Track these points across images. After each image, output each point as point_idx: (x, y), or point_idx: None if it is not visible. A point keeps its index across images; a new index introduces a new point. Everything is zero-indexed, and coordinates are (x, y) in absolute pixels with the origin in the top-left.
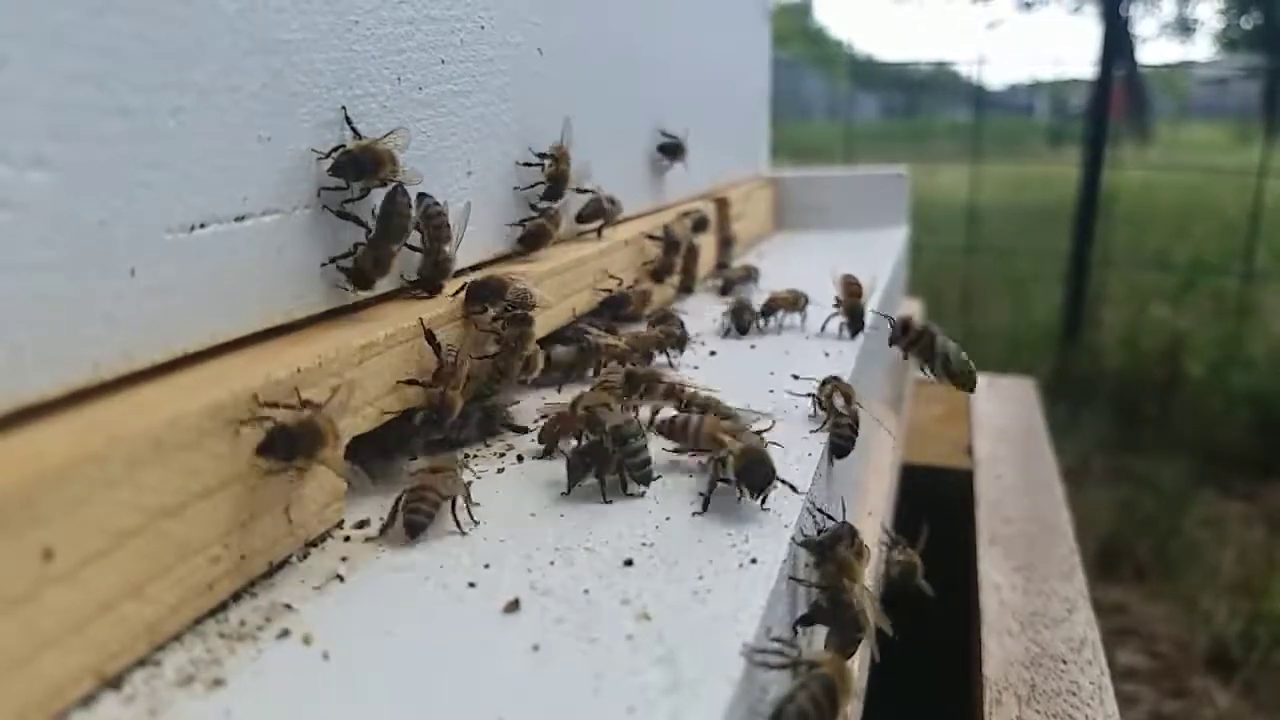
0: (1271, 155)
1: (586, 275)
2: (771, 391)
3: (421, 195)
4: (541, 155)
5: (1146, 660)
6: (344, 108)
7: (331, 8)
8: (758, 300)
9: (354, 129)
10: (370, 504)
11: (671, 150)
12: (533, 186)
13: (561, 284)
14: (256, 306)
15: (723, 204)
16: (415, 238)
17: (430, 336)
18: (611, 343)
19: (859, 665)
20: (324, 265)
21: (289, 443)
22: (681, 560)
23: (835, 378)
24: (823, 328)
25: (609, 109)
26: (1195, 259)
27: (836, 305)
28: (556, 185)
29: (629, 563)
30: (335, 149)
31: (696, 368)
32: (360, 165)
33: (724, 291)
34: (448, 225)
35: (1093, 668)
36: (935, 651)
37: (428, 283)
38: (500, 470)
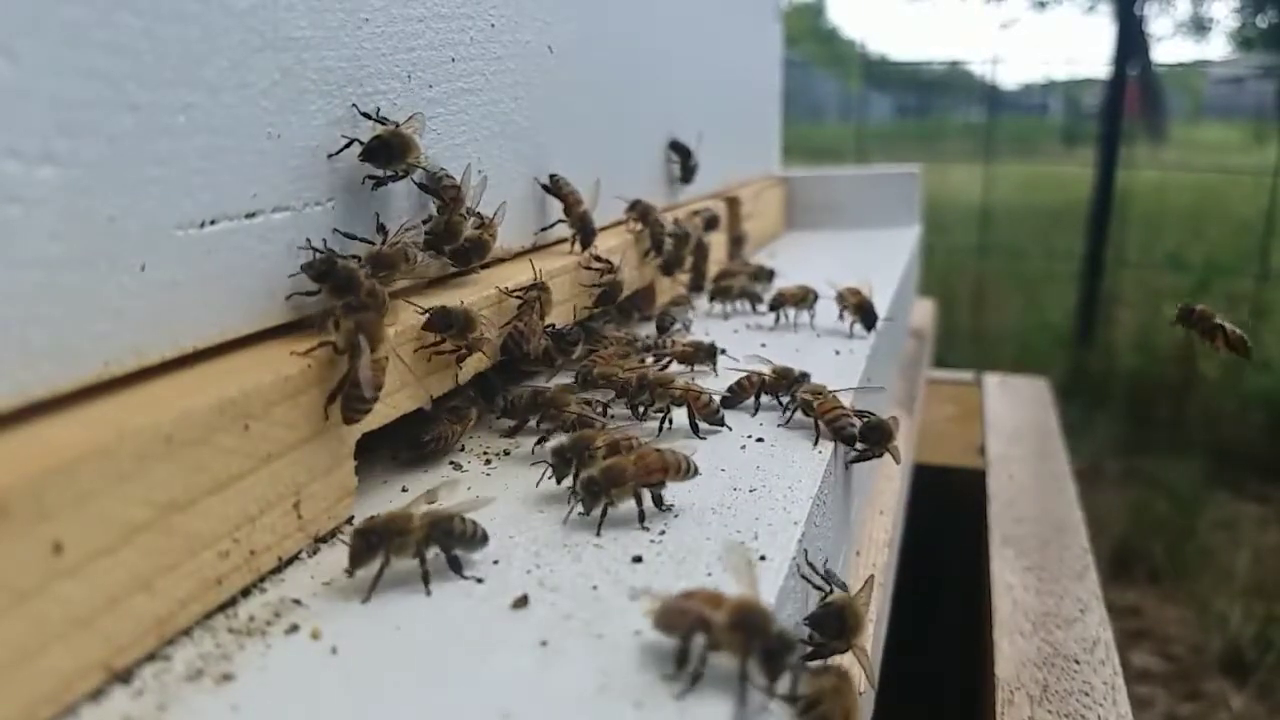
0: None
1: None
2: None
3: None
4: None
5: (1160, 663)
6: (355, 105)
7: (342, 5)
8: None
9: (378, 118)
10: (379, 501)
11: (683, 155)
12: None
13: (573, 281)
14: (266, 303)
15: (733, 203)
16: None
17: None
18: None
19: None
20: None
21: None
22: (690, 557)
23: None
24: (843, 319)
25: (619, 108)
26: (1210, 260)
27: (843, 311)
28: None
29: (638, 559)
30: (350, 142)
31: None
32: (391, 150)
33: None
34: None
35: (1105, 668)
36: (947, 651)
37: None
38: (507, 453)
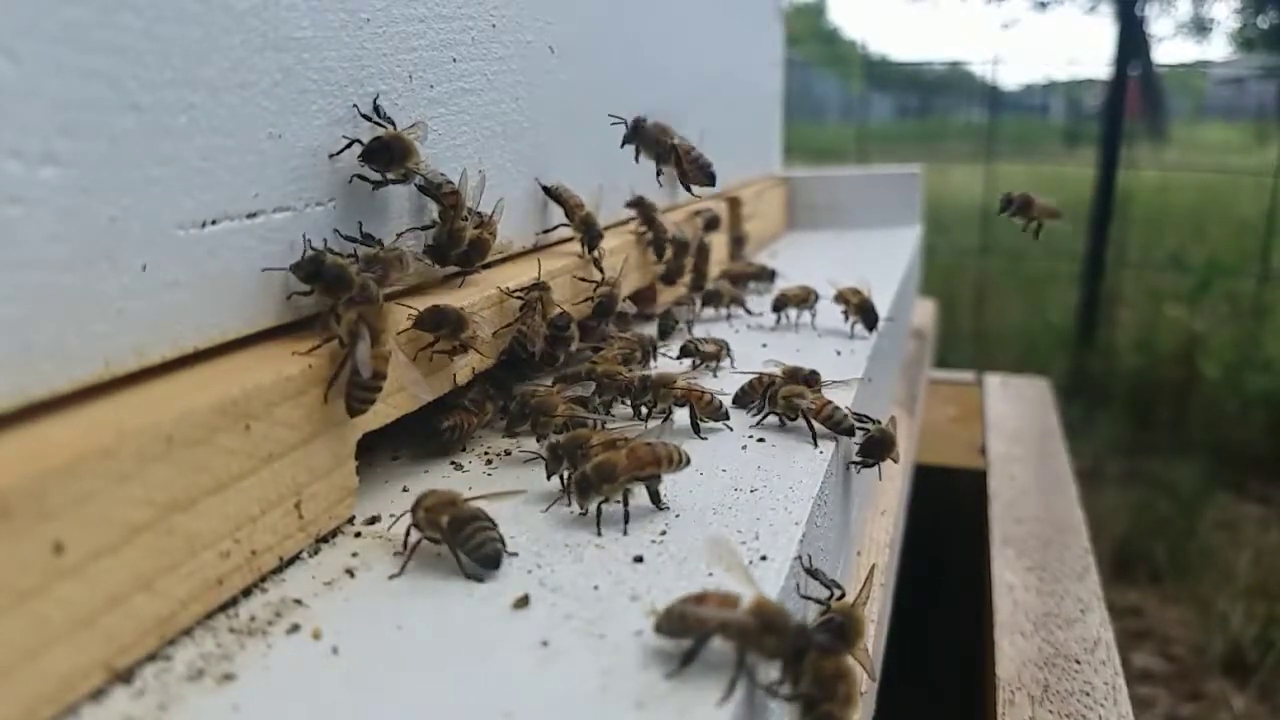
0: None
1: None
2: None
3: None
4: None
5: (1162, 663)
6: (355, 106)
7: (343, 5)
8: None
9: (378, 120)
10: (380, 500)
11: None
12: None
13: (574, 281)
14: (268, 303)
15: (734, 203)
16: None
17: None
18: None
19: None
20: None
21: None
22: (691, 557)
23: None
24: (846, 319)
25: (621, 108)
26: (1211, 260)
27: (845, 312)
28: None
29: (639, 559)
30: (351, 142)
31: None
32: (392, 152)
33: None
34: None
35: (1106, 668)
36: (947, 651)
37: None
38: (508, 453)
